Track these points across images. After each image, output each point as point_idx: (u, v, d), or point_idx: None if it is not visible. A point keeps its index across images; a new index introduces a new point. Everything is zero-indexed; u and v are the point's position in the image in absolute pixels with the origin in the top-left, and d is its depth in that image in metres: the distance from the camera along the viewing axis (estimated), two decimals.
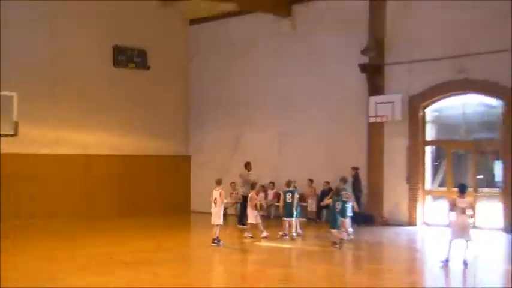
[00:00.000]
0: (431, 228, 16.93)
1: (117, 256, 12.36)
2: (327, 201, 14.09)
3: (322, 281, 10.39)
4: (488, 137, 17.41)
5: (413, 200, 17.48)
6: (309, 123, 19.60)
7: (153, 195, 21.40)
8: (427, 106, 17.69)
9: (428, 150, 17.91)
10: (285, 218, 14.97)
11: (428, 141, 17.89)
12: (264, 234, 14.76)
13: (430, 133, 17.98)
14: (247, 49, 21.34)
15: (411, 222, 17.38)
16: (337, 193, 13.95)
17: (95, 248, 13.36)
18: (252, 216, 14.85)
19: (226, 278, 11.22)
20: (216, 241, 13.66)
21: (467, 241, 11.38)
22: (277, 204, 17.52)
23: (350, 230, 14.79)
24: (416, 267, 12.32)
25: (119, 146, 20.98)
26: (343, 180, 15.16)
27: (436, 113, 18.04)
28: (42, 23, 19.22)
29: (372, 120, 17.86)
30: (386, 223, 17.59)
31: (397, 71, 17.71)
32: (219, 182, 14.04)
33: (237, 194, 18.08)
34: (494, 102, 16.66)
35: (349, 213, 14.68)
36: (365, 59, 18.03)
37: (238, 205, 17.98)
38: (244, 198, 16.22)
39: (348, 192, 14.82)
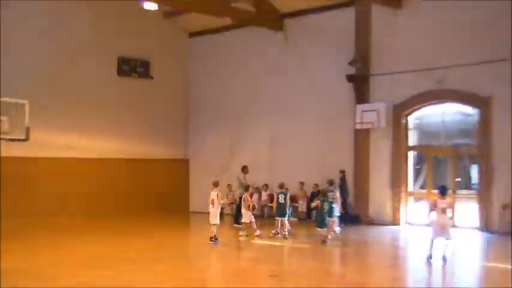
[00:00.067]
0: (414, 227, 17.00)
1: (120, 254, 12.34)
2: (315, 203, 14.12)
3: (311, 276, 10.44)
4: (465, 143, 17.47)
5: (396, 201, 17.56)
6: (300, 129, 19.68)
7: (155, 196, 21.41)
8: (409, 114, 17.80)
9: (411, 155, 17.99)
10: (277, 218, 15.02)
11: (411, 147, 17.99)
12: (258, 232, 14.80)
13: (412, 139, 18.06)
14: (242, 60, 21.41)
15: (395, 222, 17.46)
16: (324, 194, 14.01)
17: (100, 246, 13.36)
18: (246, 216, 14.91)
19: (223, 272, 11.27)
20: (213, 239, 13.69)
21: (446, 239, 11.47)
22: (270, 204, 17.58)
23: (338, 229, 14.85)
24: (399, 263, 12.40)
25: (122, 151, 21.03)
26: (330, 182, 15.18)
27: (418, 121, 18.14)
28: (55, 36, 19.39)
29: (358, 126, 17.95)
30: (372, 223, 17.65)
31: (382, 81, 17.81)
32: (216, 184, 14.09)
33: (233, 195, 18.14)
34: (470, 111, 16.80)
35: (337, 213, 14.75)
36: (352, 70, 18.14)
37: (234, 206, 18.03)
38: (240, 200, 16.25)
39: (335, 193, 14.90)
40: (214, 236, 13.72)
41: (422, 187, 18.17)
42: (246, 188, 15.37)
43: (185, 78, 23.10)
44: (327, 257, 12.78)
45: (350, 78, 18.10)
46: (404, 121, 17.75)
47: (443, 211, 11.44)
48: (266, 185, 19.56)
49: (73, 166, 19.67)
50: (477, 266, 11.91)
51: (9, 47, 17.91)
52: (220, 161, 21.45)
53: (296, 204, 18.49)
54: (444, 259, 11.31)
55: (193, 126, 22.98)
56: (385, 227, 17.09)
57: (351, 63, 17.99)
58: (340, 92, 18.55)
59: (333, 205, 14.23)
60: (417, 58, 17.03)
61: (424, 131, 18.34)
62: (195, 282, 9.94)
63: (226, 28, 21.49)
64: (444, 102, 17.06)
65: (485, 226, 15.78)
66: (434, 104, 17.30)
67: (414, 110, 17.73)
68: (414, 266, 11.70)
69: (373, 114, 17.54)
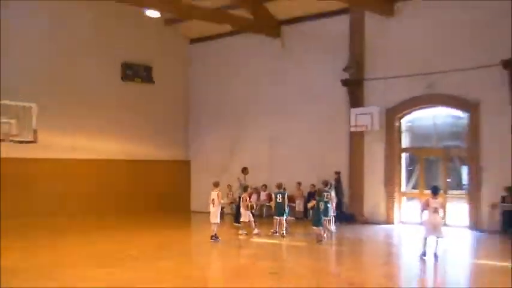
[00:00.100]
0: (407, 226, 17.06)
1: (121, 252, 12.30)
2: (312, 204, 14.17)
3: (308, 272, 10.49)
4: (456, 145, 17.58)
5: (390, 201, 17.63)
6: (297, 131, 19.75)
7: (157, 196, 21.44)
8: (402, 117, 17.88)
9: (404, 157, 18.06)
10: (276, 217, 15.07)
11: (403, 149, 18.06)
12: (256, 231, 14.84)
13: (405, 141, 18.13)
14: (241, 65, 21.48)
15: (389, 221, 17.52)
16: (319, 194, 14.08)
17: (100, 245, 13.37)
18: (245, 216, 14.95)
19: (223, 270, 11.32)
20: (214, 237, 13.75)
21: (438, 237, 11.54)
22: (268, 204, 17.64)
23: (333, 227, 14.91)
24: (393, 261, 12.46)
25: (125, 152, 21.06)
26: (325, 183, 15.18)
27: (410, 124, 18.22)
28: (55, 37, 19.40)
29: (353, 129, 18.02)
30: (366, 222, 17.71)
31: (375, 86, 17.88)
32: (216, 184, 14.14)
33: (232, 195, 18.18)
34: (461, 114, 16.89)
35: (333, 213, 14.80)
36: (346, 75, 18.22)
37: (234, 205, 18.08)
38: (240, 200, 16.29)
39: (330, 193, 14.95)
40: (215, 234, 13.77)
41: (414, 187, 18.27)
42: (245, 189, 15.42)
43: (186, 81, 23.16)
44: (323, 255, 12.82)
45: (345, 82, 18.19)
46: (397, 124, 17.82)
47: (435, 210, 11.50)
48: (265, 185, 19.59)
49: (74, 167, 19.60)
50: (467, 263, 11.98)
51: (9, 47, 17.83)
52: (220, 161, 21.50)
53: (293, 204, 18.54)
54: (436, 257, 11.38)
55: (194, 129, 23.02)
56: (379, 226, 17.15)
57: (345, 70, 18.08)
58: (336, 96, 18.62)
59: (328, 205, 14.29)
60: (409, 64, 17.11)
61: (416, 134, 18.41)
62: (196, 279, 9.97)
63: (225, 35, 21.58)
64: (435, 106, 17.15)
65: (475, 225, 15.86)
66: (426, 107, 17.38)
67: (407, 113, 17.80)
68: (407, 263, 11.77)
69: (367, 118, 17.60)
